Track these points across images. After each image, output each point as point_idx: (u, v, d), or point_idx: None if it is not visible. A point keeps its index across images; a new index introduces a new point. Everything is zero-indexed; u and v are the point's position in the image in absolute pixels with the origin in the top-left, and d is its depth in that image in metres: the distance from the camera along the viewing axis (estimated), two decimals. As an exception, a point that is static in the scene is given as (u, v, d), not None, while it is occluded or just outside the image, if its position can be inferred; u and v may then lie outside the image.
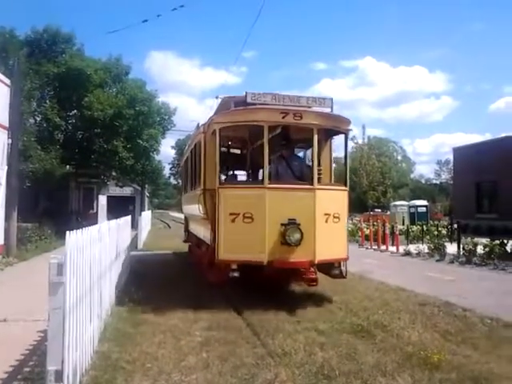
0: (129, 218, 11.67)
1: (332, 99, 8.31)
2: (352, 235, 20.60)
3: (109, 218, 10.06)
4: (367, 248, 19.78)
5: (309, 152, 9.69)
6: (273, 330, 6.20)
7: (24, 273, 11.96)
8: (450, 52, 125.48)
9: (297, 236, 7.49)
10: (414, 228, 23.24)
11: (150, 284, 9.68)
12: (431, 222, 31.79)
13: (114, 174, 29.08)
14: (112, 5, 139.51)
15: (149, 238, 24.31)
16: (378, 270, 12.42)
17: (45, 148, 23.52)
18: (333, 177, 9.37)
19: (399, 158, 77.25)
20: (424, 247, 17.17)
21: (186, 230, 15.83)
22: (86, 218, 26.06)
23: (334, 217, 8.07)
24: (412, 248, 17.48)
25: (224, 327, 6.43)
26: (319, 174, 8.43)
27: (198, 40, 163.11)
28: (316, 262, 7.73)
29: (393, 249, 18.66)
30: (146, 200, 47.70)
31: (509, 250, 14.21)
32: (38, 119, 25.81)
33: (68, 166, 27.09)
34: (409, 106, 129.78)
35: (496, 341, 6.10)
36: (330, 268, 8.35)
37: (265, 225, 7.58)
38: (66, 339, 3.97)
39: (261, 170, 11.36)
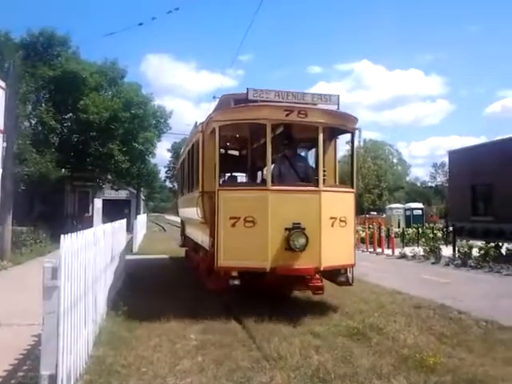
0: (124, 221, 11.63)
1: (338, 96, 7.88)
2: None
3: (104, 222, 10.03)
4: (363, 251, 19.79)
5: (311, 152, 9.52)
6: (268, 334, 6.19)
7: (18, 277, 11.90)
8: (445, 55, 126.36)
9: (302, 241, 7.11)
10: (410, 231, 23.28)
11: (145, 288, 9.65)
12: (427, 224, 31.82)
13: (109, 177, 29.04)
14: (107, 8, 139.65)
15: (144, 242, 24.26)
16: (373, 272, 12.42)
17: (40, 151, 23.44)
18: (337, 178, 9.01)
19: (395, 160, 77.41)
20: (419, 250, 17.20)
21: (183, 234, 15.39)
22: (82, 221, 26.01)
23: (341, 220, 7.67)
24: (407, 251, 17.51)
25: (219, 331, 6.42)
26: (324, 175, 7.94)
27: (193, 43, 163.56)
28: (322, 268, 7.33)
29: (388, 251, 18.69)
30: (142, 203, 47.61)
31: (504, 253, 14.24)
32: (34, 122, 25.77)
33: (63, 170, 27.00)
34: (405, 109, 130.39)
35: (491, 343, 6.12)
36: (336, 275, 7.95)
37: (267, 229, 7.18)
38: (60, 343, 3.96)
39: (260, 172, 11.09)
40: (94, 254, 5.83)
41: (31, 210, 25.55)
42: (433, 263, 15.67)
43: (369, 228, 21.95)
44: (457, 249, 15.70)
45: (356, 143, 8.94)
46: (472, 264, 14.33)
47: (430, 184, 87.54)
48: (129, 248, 16.16)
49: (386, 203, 54.05)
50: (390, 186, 68.10)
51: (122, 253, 10.56)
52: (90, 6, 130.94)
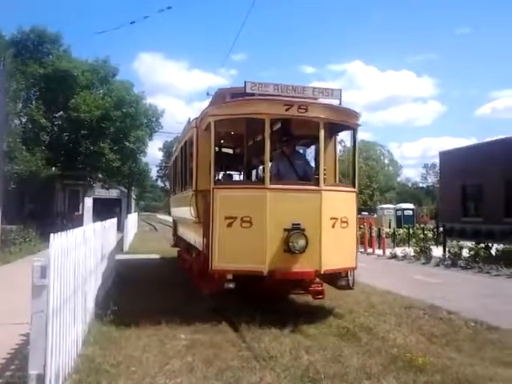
0: (115, 220, 11.58)
1: (341, 90, 7.52)
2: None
3: (95, 221, 9.94)
4: (354, 251, 19.80)
5: (310, 150, 9.30)
6: (258, 334, 6.18)
7: (7, 275, 11.80)
8: (436, 57, 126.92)
9: (301, 243, 6.75)
10: (401, 231, 23.36)
11: (135, 288, 9.61)
12: (417, 225, 31.92)
13: (100, 175, 28.93)
14: (99, 6, 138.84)
15: (135, 241, 24.18)
16: (364, 272, 12.36)
17: (30, 149, 23.33)
18: (337, 177, 8.68)
19: (386, 161, 77.67)
20: (410, 250, 17.30)
21: (175, 234, 14.94)
22: (72, 220, 25.82)
23: (342, 221, 7.31)
24: (398, 251, 17.60)
25: (209, 331, 6.40)
26: (323, 173, 7.53)
27: (186, 42, 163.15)
28: (322, 271, 6.98)
29: (379, 252, 18.76)
30: (133, 202, 47.45)
31: (493, 254, 14.35)
32: (24, 120, 25.63)
33: (54, 168, 26.84)
34: (397, 110, 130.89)
35: (480, 343, 6.17)
36: (337, 278, 7.56)
37: (265, 230, 6.81)
38: (48, 343, 3.93)
39: (256, 171, 10.75)
40: (83, 253, 5.79)
41: (21, 209, 25.38)
42: (423, 263, 15.76)
43: (360, 228, 21.99)
44: (447, 249, 15.80)
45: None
46: (462, 264, 14.43)
47: (421, 185, 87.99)
48: (119, 247, 16.09)
49: (377, 204, 54.22)
50: (382, 186, 68.36)
51: (112, 252, 10.52)
52: (82, 4, 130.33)
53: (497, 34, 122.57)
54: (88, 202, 19.54)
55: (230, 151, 12.04)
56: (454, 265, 14.59)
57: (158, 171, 68.23)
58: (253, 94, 7.25)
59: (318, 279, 7.35)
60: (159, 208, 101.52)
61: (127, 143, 27.15)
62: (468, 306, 8.32)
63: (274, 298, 7.88)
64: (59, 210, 29.28)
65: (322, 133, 7.21)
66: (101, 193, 33.37)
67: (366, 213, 45.80)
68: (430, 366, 5.13)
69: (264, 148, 7.16)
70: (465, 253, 14.77)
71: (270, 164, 7.44)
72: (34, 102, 25.83)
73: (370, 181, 60.46)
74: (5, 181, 16.76)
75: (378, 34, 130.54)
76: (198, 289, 8.40)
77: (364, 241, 19.94)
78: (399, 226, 30.13)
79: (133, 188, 39.23)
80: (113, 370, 4.87)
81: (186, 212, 9.22)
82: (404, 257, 16.90)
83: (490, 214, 25.39)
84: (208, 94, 9.18)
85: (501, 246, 14.44)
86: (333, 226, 7.17)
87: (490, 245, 14.76)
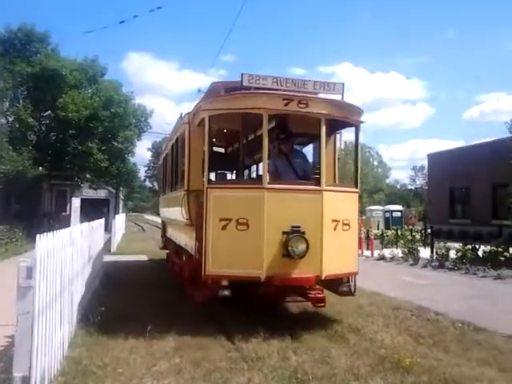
0: (102, 220, 11.51)
1: (343, 84, 7.12)
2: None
3: (82, 221, 9.86)
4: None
5: (308, 148, 8.95)
6: (247, 335, 6.16)
7: (-7, 276, 11.66)
8: (425, 59, 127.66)
9: (302, 247, 6.34)
10: (389, 232, 23.49)
11: (123, 289, 9.55)
12: (406, 226, 32.14)
13: (88, 176, 28.72)
14: (88, 5, 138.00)
15: (123, 242, 24.04)
16: (352, 274, 12.46)
17: (17, 149, 23.12)
18: (337, 177, 8.29)
19: (375, 163, 78.06)
20: (398, 252, 17.37)
21: (164, 235, 14.38)
22: (59, 220, 25.60)
23: (344, 224, 6.94)
24: (386, 252, 17.67)
25: (197, 332, 6.35)
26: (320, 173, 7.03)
27: (176, 42, 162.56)
28: (323, 277, 6.56)
29: (368, 253, 18.82)
30: (121, 203, 47.19)
31: (480, 255, 14.48)
32: (11, 120, 25.38)
33: (41, 168, 26.60)
34: (386, 112, 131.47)
35: (467, 344, 6.20)
36: (338, 284, 7.14)
37: (263, 233, 6.38)
38: (34, 344, 3.89)
39: (250, 170, 10.45)
40: (70, 253, 5.74)
41: (7, 209, 25.14)
42: (411, 265, 15.83)
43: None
44: (435, 251, 15.90)
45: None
46: (449, 266, 14.52)
47: (409, 187, 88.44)
48: (107, 248, 15.99)
49: (365, 205, 54.45)
50: (370, 188, 68.68)
51: (99, 253, 10.44)
52: (71, 3, 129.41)
53: (481, 37, 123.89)
54: (75, 203, 19.33)
55: (222, 150, 11.66)
56: (441, 266, 14.69)
57: (146, 171, 68.00)
58: (249, 88, 6.82)
59: (318, 286, 7.01)
60: (147, 208, 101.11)
61: (115, 143, 26.99)
62: (455, 307, 8.38)
63: (270, 305, 7.59)
64: (46, 211, 29.03)
65: (323, 130, 6.79)
66: (88, 193, 33.16)
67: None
68: (418, 366, 5.15)
69: (262, 145, 6.68)
70: (452, 254, 14.87)
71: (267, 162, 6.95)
72: (21, 101, 25.59)
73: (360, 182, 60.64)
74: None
75: (368, 36, 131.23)
76: (190, 296, 7.93)
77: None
78: (387, 227, 30.33)
79: (121, 188, 39.03)
80: (99, 372, 4.84)
81: (176, 213, 8.79)
82: (392, 258, 16.98)
83: (478, 215, 25.62)
84: (199, 90, 8.98)
85: (488, 248, 14.56)
86: (334, 229, 6.80)
87: (477, 246, 14.89)
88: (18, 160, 22.36)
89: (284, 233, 6.39)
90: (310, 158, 8.44)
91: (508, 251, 14.09)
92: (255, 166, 10.53)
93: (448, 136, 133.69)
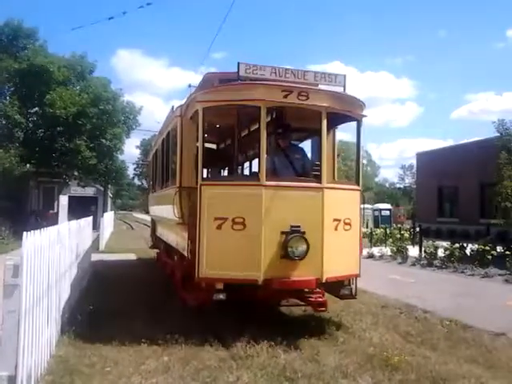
0: (90, 218, 11.43)
1: (345, 76, 6.77)
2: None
3: (70, 219, 9.78)
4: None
5: (305, 144, 8.58)
6: (236, 334, 6.14)
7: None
8: (414, 59, 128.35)
9: (302, 248, 6.00)
10: (378, 231, 23.62)
11: (111, 287, 9.49)
12: (394, 225, 32.41)
13: (76, 173, 28.46)
14: (76, 1, 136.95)
15: (111, 240, 23.91)
16: (341, 272, 12.50)
17: (4, 146, 22.91)
18: (336, 174, 7.98)
19: (364, 162, 78.39)
20: (387, 250, 17.48)
21: (153, 234, 13.88)
22: (46, 218, 25.42)
23: (345, 223, 6.58)
24: (375, 251, 17.76)
25: (186, 331, 6.32)
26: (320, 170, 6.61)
27: (166, 39, 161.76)
28: (324, 280, 6.23)
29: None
30: (109, 201, 46.94)
31: (468, 254, 14.60)
32: (-3, 116, 25.10)
33: (28, 165, 26.35)
34: (376, 111, 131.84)
35: (454, 342, 6.26)
36: (339, 287, 6.90)
37: (260, 233, 6.02)
38: (20, 343, 3.85)
39: (242, 167, 9.94)
40: (58, 251, 5.69)
41: (-6, 206, 24.88)
42: (400, 263, 15.93)
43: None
44: (423, 249, 16.01)
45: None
46: (437, 264, 14.62)
47: (398, 185, 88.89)
48: (95, 246, 15.89)
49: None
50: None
51: (87, 251, 10.37)
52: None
53: (472, 37, 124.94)
54: (63, 200, 19.30)
55: (214, 146, 11.29)
56: (429, 264, 14.78)
57: (135, 169, 67.79)
58: (245, 79, 6.46)
59: (318, 289, 6.62)
60: (136, 207, 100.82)
61: (104, 140, 26.78)
62: (443, 305, 8.44)
63: (267, 308, 7.37)
64: (33, 208, 28.81)
65: (324, 124, 6.43)
66: (77, 191, 32.98)
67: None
68: (406, 364, 5.18)
69: (259, 140, 6.30)
70: (440, 253, 14.97)
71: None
72: (8, 98, 25.35)
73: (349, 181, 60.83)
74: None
75: (358, 35, 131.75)
76: (182, 298, 7.56)
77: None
78: (376, 225, 30.52)
79: (109, 186, 38.83)
80: (87, 371, 4.82)
81: (167, 211, 8.37)
82: (381, 256, 17.07)
83: (466, 214, 25.82)
84: (190, 85, 8.37)
85: (475, 247, 14.68)
86: (335, 229, 6.44)
87: (464, 245, 15.01)
88: (4, 157, 22.15)
89: (283, 233, 6.04)
90: (308, 154, 8.09)
91: (495, 250, 14.21)
92: (249, 162, 10.32)
93: (437, 135, 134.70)
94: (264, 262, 6.00)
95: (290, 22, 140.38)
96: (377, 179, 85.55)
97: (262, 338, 5.96)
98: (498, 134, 18.60)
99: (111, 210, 44.92)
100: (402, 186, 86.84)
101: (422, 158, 32.97)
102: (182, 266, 7.55)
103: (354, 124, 7.19)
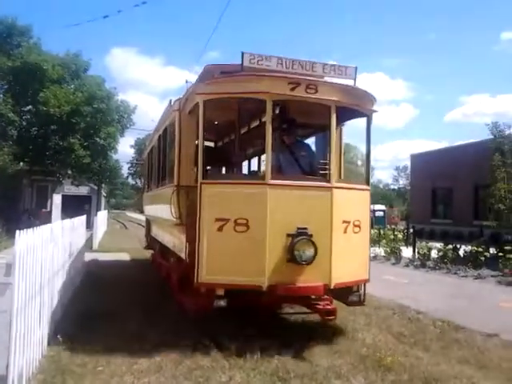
0: (84, 217, 11.39)
1: (356, 68, 6.32)
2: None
3: (63, 218, 9.73)
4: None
5: (310, 141, 8.14)
6: (229, 334, 6.12)
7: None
8: (410, 61, 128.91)
9: (309, 252, 5.60)
10: (372, 232, 23.63)
11: (104, 286, 9.45)
12: (388, 226, 32.47)
13: (69, 172, 28.33)
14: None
15: (105, 239, 23.83)
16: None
17: (-3, 144, 22.76)
18: (343, 172, 7.57)
19: (359, 163, 78.53)
20: (381, 251, 17.51)
21: (148, 235, 13.30)
22: (39, 216, 25.31)
23: (355, 225, 6.18)
24: (369, 251, 17.76)
25: (179, 331, 6.32)
26: (329, 168, 6.15)
27: (161, 38, 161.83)
28: (332, 286, 5.84)
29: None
30: (103, 200, 46.81)
31: (461, 255, 14.66)
32: (-9, 114, 24.92)
33: (21, 163, 26.20)
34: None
35: (447, 343, 6.28)
36: (347, 293, 6.55)
37: (265, 235, 5.62)
38: (12, 343, 3.83)
39: (240, 165, 9.36)
40: (51, 250, 5.66)
41: (-14, 205, 24.72)
42: (393, 264, 15.98)
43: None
44: (416, 250, 16.07)
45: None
46: (431, 265, 14.67)
47: (392, 186, 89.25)
48: (89, 245, 15.83)
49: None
50: (354, 187, 69.02)
51: (81, 250, 10.32)
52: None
53: (467, 40, 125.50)
54: (57, 199, 19.24)
55: (212, 144, 10.83)
56: (423, 265, 14.83)
57: (129, 168, 67.53)
58: (249, 71, 6.04)
59: (326, 295, 6.26)
60: (130, 206, 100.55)
61: (98, 139, 26.64)
62: (436, 306, 8.47)
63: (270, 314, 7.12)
64: (26, 207, 28.65)
65: (333, 119, 6.02)
66: (70, 189, 32.84)
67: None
68: (398, 365, 5.19)
69: (265, 135, 5.87)
70: (434, 254, 15.03)
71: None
72: (1, 96, 25.17)
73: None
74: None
75: (354, 36, 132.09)
76: (180, 303, 7.18)
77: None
78: (370, 226, 30.52)
79: (103, 185, 38.69)
80: (79, 370, 4.80)
81: (163, 211, 7.91)
82: (374, 257, 17.06)
83: (460, 216, 25.92)
84: (187, 81, 7.81)
85: (468, 248, 14.74)
86: (344, 231, 6.04)
87: (457, 246, 15.07)
88: (-3, 155, 22.02)
89: (289, 235, 5.64)
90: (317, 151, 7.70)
91: (488, 251, 14.29)
92: (249, 160, 10.05)
93: (431, 137, 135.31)
94: (269, 266, 5.61)
95: (285, 22, 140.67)
96: (371, 180, 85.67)
97: (255, 338, 5.96)
98: (492, 136, 18.67)
99: (105, 209, 44.80)
100: (396, 188, 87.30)
101: (417, 159, 33.07)
102: (179, 268, 7.25)
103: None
